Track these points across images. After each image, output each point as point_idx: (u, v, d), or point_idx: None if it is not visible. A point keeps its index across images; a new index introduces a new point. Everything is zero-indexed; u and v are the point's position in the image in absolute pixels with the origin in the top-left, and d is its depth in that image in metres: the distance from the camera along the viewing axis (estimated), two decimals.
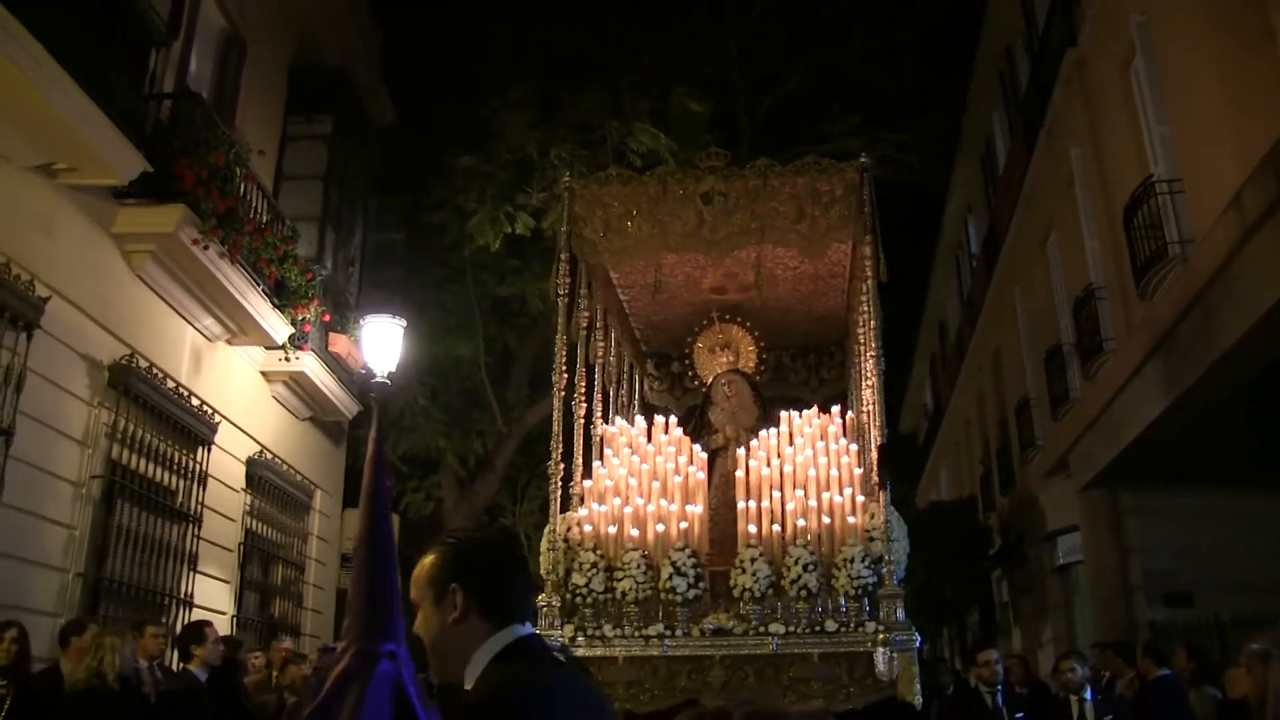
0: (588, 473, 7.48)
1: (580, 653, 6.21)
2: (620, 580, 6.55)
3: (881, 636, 6.19)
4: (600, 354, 8.17)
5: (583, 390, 7.47)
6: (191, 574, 9.84)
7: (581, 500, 7.26)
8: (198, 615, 9.64)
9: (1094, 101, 14.45)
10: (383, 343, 11.77)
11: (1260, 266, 9.54)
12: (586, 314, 7.69)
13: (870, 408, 7.30)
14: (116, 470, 8.73)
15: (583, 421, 7.49)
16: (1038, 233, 18.06)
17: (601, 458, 7.71)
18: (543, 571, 6.89)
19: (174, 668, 7.78)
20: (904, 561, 6.68)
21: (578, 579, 6.78)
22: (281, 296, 10.78)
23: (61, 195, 8.13)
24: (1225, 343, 10.34)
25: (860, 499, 6.80)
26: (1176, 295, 11.39)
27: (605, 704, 2.68)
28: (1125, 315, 13.53)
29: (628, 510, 6.87)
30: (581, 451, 7.47)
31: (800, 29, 16.23)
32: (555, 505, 6.93)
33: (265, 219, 10.51)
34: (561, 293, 7.33)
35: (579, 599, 6.79)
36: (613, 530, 6.81)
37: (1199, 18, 10.70)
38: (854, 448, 7.35)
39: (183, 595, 9.67)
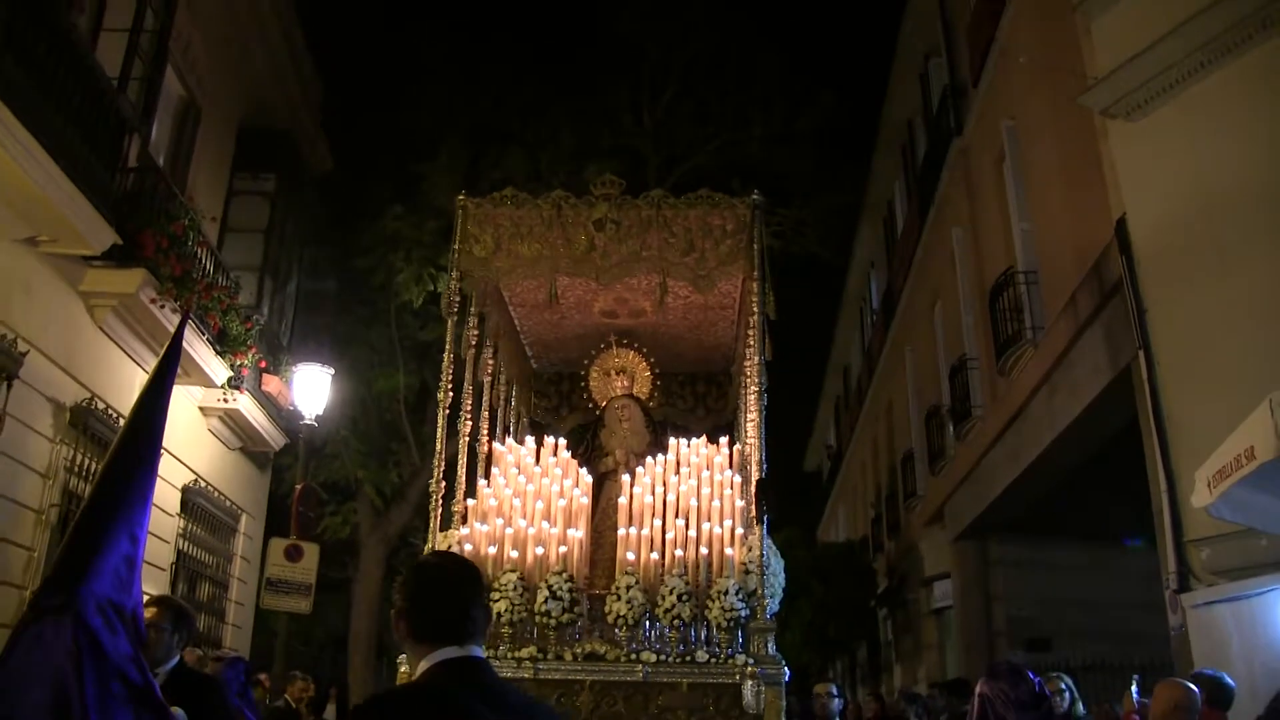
0: (471, 491, 7.32)
1: None
2: (496, 601, 6.43)
3: (750, 669, 6.09)
4: (489, 372, 8.08)
5: (468, 408, 7.39)
6: None
7: (464, 519, 7.13)
8: None
9: (974, 188, 15.31)
10: (312, 388, 12.96)
11: (1088, 361, 10.54)
12: (475, 331, 7.64)
13: (753, 440, 7.22)
14: (72, 499, 9.20)
15: (468, 440, 7.41)
16: (926, 299, 18.91)
17: (488, 477, 7.53)
18: None
19: None
20: (779, 595, 6.66)
21: None
22: (223, 343, 11.35)
23: (40, 260, 8.78)
24: (1062, 423, 11.35)
25: (740, 531, 6.76)
26: (1028, 375, 12.34)
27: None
28: (991, 386, 14.38)
29: (509, 531, 6.80)
30: (465, 469, 7.37)
31: (709, 111, 17.57)
32: (435, 523, 6.86)
33: (212, 276, 11.15)
34: (452, 311, 7.34)
35: None
36: (492, 550, 6.72)
37: (1051, 134, 11.63)
38: (738, 480, 7.28)
39: None
